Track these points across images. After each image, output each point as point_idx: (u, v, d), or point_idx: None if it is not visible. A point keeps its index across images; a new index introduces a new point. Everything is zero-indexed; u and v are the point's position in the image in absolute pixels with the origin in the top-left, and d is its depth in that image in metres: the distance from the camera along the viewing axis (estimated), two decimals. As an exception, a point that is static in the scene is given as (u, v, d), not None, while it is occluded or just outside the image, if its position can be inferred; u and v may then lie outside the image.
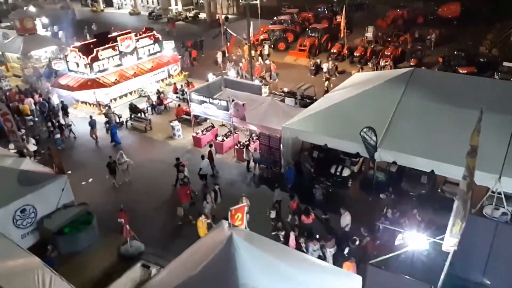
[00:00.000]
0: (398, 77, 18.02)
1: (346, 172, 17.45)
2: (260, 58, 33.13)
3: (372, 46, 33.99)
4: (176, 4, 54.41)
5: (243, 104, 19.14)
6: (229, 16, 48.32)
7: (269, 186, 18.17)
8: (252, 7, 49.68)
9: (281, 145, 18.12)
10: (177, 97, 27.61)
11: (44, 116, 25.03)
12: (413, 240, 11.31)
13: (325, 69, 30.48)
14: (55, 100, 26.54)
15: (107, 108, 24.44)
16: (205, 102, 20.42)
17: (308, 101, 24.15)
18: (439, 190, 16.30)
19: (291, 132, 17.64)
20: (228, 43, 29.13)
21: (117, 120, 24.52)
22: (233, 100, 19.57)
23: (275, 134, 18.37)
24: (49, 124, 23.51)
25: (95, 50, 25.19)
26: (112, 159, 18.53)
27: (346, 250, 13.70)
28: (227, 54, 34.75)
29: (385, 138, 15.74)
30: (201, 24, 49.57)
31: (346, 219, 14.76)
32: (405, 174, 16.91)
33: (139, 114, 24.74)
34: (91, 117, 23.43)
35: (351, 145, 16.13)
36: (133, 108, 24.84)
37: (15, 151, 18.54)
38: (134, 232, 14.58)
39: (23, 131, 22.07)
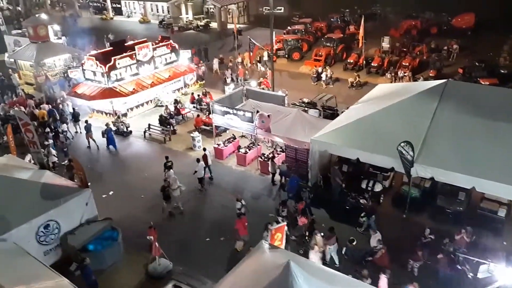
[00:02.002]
0: (431, 90, 17.43)
1: (378, 187, 16.81)
2: (259, 64, 33.73)
3: (390, 56, 33.60)
4: (187, 13, 54.13)
5: (269, 116, 18.58)
6: (240, 26, 47.96)
7: (296, 200, 17.55)
8: (265, 16, 49.87)
9: (308, 158, 17.55)
10: (194, 107, 27.11)
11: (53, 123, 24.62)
12: (503, 275, 10.24)
13: (324, 78, 30.82)
14: (69, 108, 26.14)
15: (116, 117, 23.98)
16: (228, 113, 19.86)
17: (329, 112, 23.71)
18: (478, 208, 15.64)
19: (320, 145, 17.06)
20: (251, 52, 28.62)
21: (125, 130, 24.16)
22: (257, 111, 19.03)
23: (302, 147, 17.79)
24: (47, 129, 23.00)
25: (112, 58, 24.72)
26: (166, 183, 17.00)
27: (343, 250, 13.91)
28: (239, 60, 34.91)
29: (421, 153, 15.13)
30: (212, 33, 49.28)
31: (375, 240, 14.15)
32: (440, 190, 16.29)
33: (168, 126, 24.18)
34: (86, 121, 23.37)
35: (385, 159, 15.54)
36: (163, 120, 24.16)
37: (32, 162, 18.05)
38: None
39: (50, 141, 21.59)
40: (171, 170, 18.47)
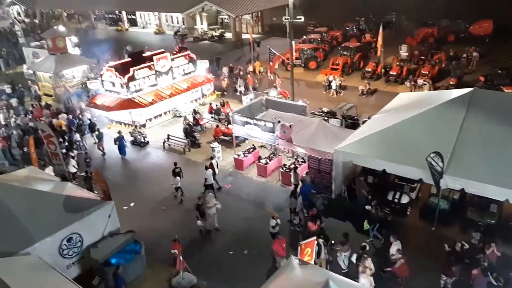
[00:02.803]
0: (458, 99, 16.99)
1: (404, 199, 16.36)
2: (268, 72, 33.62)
3: (408, 64, 33.17)
4: (202, 24, 54.40)
5: (290, 126, 18.29)
6: (254, 36, 47.91)
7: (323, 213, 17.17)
8: (279, 26, 49.85)
9: (332, 169, 17.20)
10: (212, 117, 26.99)
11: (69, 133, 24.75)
12: None
13: (334, 86, 30.64)
14: (87, 119, 26.24)
15: (133, 127, 23.93)
16: (249, 123, 19.63)
17: (350, 121, 23.35)
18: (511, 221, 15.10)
19: (344, 156, 16.70)
20: (271, 62, 28.50)
21: (142, 140, 24.09)
22: (279, 121, 18.76)
23: (326, 157, 17.44)
24: (60, 139, 22.82)
25: (131, 69, 24.74)
26: (201, 200, 16.32)
27: (354, 257, 13.49)
28: (250, 69, 35.10)
29: (450, 164, 14.66)
30: (227, 44, 49.38)
31: (395, 248, 13.74)
32: (470, 203, 15.78)
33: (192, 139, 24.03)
34: (98, 130, 24.11)
35: (413, 170, 15.10)
36: (188, 133, 23.94)
37: (53, 174, 18.01)
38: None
39: (75, 152, 21.65)
40: (178, 177, 18.82)
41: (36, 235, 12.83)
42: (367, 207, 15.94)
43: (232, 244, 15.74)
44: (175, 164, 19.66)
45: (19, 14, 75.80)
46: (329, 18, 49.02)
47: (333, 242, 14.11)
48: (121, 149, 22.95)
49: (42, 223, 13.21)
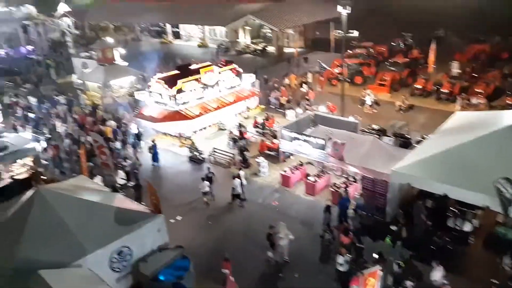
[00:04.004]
0: (529, 120, 15.84)
1: (467, 227, 15.29)
2: (304, 85, 33.51)
3: (459, 82, 31.77)
4: (244, 37, 54.71)
5: (343, 143, 17.64)
6: (298, 49, 47.66)
7: (372, 235, 16.35)
8: (322, 40, 49.43)
9: (387, 191, 16.34)
10: (256, 131, 26.66)
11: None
12: None
13: (368, 102, 29.77)
14: (133, 130, 26.52)
15: (191, 143, 23.80)
16: (298, 139, 19.12)
17: (402, 140, 22.39)
18: None
19: (402, 177, 15.82)
20: (321, 77, 28.05)
21: (199, 157, 23.65)
22: (330, 138, 18.14)
23: (381, 178, 16.63)
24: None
25: (179, 82, 24.85)
26: (273, 230, 15.41)
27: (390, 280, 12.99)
28: (286, 82, 34.92)
29: (522, 191, 13.54)
30: (269, 58, 49.29)
31: (437, 274, 12.98)
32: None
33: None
34: (135, 137, 25.03)
35: (478, 196, 14.06)
36: (242, 151, 23.24)
37: (102, 184, 18.07)
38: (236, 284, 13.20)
39: (128, 162, 21.89)
40: (206, 182, 19.33)
41: (88, 247, 12.65)
42: (393, 227, 15.42)
43: (282, 265, 15.13)
44: (209, 168, 20.62)
45: (69, 26, 78.99)
46: (374, 33, 48.11)
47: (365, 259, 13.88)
48: (155, 157, 23.57)
49: (94, 235, 13.05)
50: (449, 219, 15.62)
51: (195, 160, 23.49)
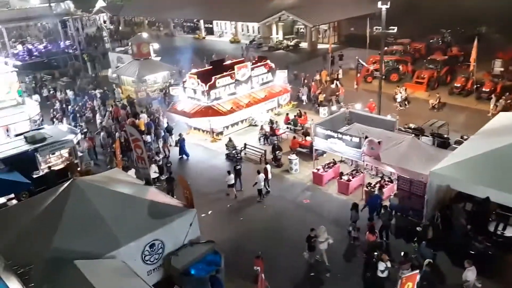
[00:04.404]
0: None
1: (510, 232, 14.54)
2: (336, 82, 33.21)
3: (502, 81, 30.39)
4: (277, 33, 54.36)
5: (379, 142, 17.12)
6: (332, 45, 46.91)
7: (406, 238, 15.82)
8: (356, 36, 48.40)
9: (425, 193, 15.75)
10: (287, 127, 26.37)
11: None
12: None
13: (398, 99, 29.09)
14: (164, 124, 26.82)
15: (228, 140, 23.52)
16: (332, 137, 18.72)
17: (440, 140, 21.60)
18: None
19: (441, 179, 15.20)
20: (358, 74, 27.53)
21: (236, 155, 23.22)
22: (366, 137, 17.66)
23: (418, 179, 16.05)
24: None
25: (213, 77, 24.87)
26: (313, 232, 14.93)
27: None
28: (317, 78, 34.78)
29: None
30: (302, 54, 48.79)
31: (469, 274, 12.46)
32: None
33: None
34: (165, 131, 25.43)
35: (524, 200, 13.35)
36: (275, 149, 22.59)
37: (135, 176, 18.26)
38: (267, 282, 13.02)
39: (161, 156, 22.16)
40: (231, 175, 19.61)
41: (122, 239, 12.79)
42: (418, 228, 15.07)
43: (314, 265, 14.85)
44: (236, 161, 21.47)
45: (104, 21, 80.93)
46: (411, 29, 46.70)
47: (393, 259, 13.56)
48: (182, 150, 23.90)
49: (128, 227, 13.17)
50: (490, 223, 14.88)
51: (232, 158, 23.11)
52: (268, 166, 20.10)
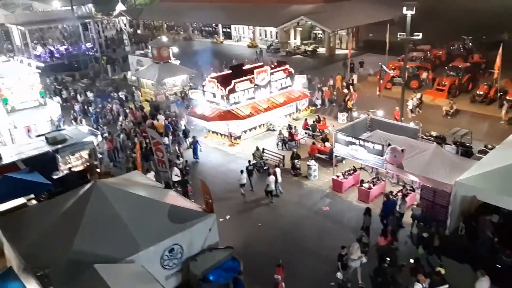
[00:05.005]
0: None
1: (539, 246, 14.04)
2: (351, 86, 33.33)
3: (526, 89, 29.67)
4: (295, 38, 54.20)
5: (402, 150, 16.78)
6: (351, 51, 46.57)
7: (428, 248, 15.42)
8: (375, 42, 47.96)
9: (450, 203, 15.35)
10: (305, 132, 26.13)
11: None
12: None
13: (410, 106, 28.54)
14: (182, 126, 26.92)
15: (256, 149, 22.76)
16: (354, 143, 18.44)
17: (463, 149, 21.12)
18: None
19: (467, 189, 14.80)
20: (381, 80, 27.19)
21: (262, 165, 22.25)
22: (389, 144, 17.33)
23: (443, 189, 15.65)
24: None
25: (233, 82, 24.82)
26: (345, 250, 14.21)
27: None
28: (331, 83, 34.89)
29: None
30: (320, 59, 48.50)
31: (483, 285, 12.20)
32: None
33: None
34: (179, 134, 25.95)
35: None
36: (294, 158, 22.04)
37: (154, 179, 18.23)
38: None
39: (181, 159, 22.19)
40: (244, 174, 20.02)
41: (141, 243, 12.70)
42: (425, 234, 14.98)
43: (334, 273, 14.55)
44: (249, 162, 21.24)
45: (125, 24, 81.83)
46: (431, 36, 46.04)
47: (403, 263, 13.63)
48: (195, 152, 24.10)
49: (148, 231, 13.08)
50: (518, 237, 14.40)
51: (258, 169, 22.20)
52: (278, 169, 20.16)
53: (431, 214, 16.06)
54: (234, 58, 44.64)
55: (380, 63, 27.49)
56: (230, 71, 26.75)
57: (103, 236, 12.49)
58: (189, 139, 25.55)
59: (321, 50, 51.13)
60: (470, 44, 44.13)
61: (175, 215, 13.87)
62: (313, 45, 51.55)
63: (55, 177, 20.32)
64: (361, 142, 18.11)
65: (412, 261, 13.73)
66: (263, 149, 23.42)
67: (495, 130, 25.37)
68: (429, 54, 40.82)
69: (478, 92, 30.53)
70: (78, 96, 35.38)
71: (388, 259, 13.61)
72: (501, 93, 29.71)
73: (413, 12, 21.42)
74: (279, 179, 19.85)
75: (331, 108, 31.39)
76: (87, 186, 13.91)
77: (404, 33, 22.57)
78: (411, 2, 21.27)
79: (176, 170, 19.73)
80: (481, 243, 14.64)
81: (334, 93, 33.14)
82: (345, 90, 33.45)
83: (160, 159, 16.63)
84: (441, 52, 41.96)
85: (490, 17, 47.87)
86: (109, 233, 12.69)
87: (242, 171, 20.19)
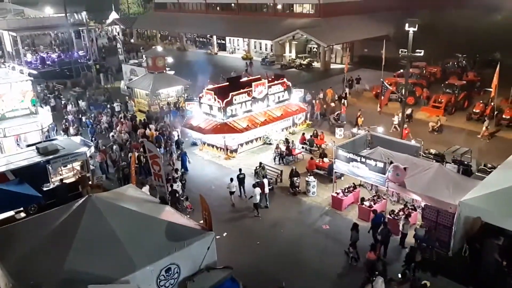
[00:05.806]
0: None
1: (546, 269, 13.75)
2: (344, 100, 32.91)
3: (521, 108, 29.81)
4: (290, 51, 54.22)
5: (405, 168, 16.47)
6: (342, 66, 46.66)
7: (432, 271, 15.05)
8: (369, 57, 48.13)
9: (453, 223, 15.02)
10: (302, 147, 25.79)
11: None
12: None
13: (396, 121, 28.48)
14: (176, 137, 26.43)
15: (259, 167, 21.57)
16: (355, 160, 18.08)
17: (463, 167, 20.93)
18: None
19: (472, 210, 14.47)
20: (383, 96, 27.04)
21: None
22: (391, 162, 17.02)
23: (446, 209, 15.34)
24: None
25: (230, 94, 24.44)
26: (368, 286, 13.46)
27: None
28: (321, 96, 34.49)
29: None
30: (314, 73, 48.47)
31: None
32: None
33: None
34: (171, 144, 25.37)
35: None
36: (293, 175, 21.16)
37: (148, 193, 17.64)
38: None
39: (179, 172, 21.76)
40: (232, 182, 19.96)
41: (137, 262, 12.08)
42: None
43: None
44: (240, 170, 21.01)
45: (118, 33, 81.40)
46: (427, 53, 46.27)
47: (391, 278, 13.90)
48: (183, 164, 23.59)
49: (144, 249, 12.48)
50: (524, 260, 14.10)
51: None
52: (265, 180, 19.97)
53: (434, 235, 15.69)
54: (233, 70, 44.28)
55: (382, 79, 27.33)
56: (227, 83, 26.38)
57: (97, 254, 11.88)
58: (179, 151, 25.12)
59: (316, 64, 51.15)
60: (464, 62, 44.57)
61: (172, 232, 13.30)
62: (308, 59, 51.59)
63: (45, 189, 19.67)
64: (363, 159, 17.76)
65: (400, 276, 13.85)
66: (260, 163, 22.88)
67: (493, 148, 25.30)
68: (424, 71, 41.00)
69: (474, 110, 30.59)
70: (70, 106, 34.51)
71: (376, 273, 13.46)
72: (497, 112, 29.82)
73: (415, 29, 21.32)
74: (266, 191, 19.73)
75: (321, 121, 31.29)
76: (81, 200, 13.31)
77: (406, 50, 22.39)
78: (413, 19, 21.23)
79: (179, 183, 19.40)
80: (487, 265, 14.30)
81: (325, 106, 32.97)
82: (332, 104, 33.56)
83: (157, 172, 16.07)
84: (436, 69, 42.23)
85: (484, 37, 48.35)
86: (104, 251, 12.07)
87: (232, 179, 20.12)
